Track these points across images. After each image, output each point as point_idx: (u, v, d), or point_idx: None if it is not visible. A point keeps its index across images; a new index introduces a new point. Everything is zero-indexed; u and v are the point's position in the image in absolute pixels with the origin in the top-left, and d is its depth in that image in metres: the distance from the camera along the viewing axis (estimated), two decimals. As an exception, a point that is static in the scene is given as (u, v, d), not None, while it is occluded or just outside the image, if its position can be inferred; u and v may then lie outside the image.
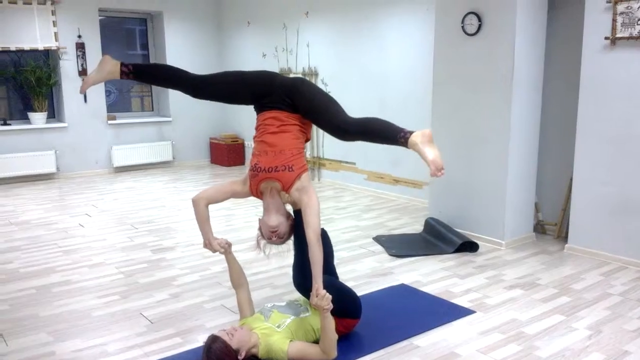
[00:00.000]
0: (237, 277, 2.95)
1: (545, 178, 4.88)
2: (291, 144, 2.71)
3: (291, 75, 7.49)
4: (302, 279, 2.87)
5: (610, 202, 4.15)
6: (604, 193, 4.18)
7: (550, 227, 4.91)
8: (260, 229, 2.80)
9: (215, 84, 2.91)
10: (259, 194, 2.78)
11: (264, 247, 2.86)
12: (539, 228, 4.95)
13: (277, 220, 2.71)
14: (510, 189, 4.50)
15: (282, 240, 2.80)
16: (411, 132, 2.46)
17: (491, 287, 3.71)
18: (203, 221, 2.86)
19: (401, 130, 2.49)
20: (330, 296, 2.55)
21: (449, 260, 4.26)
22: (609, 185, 4.14)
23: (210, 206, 2.87)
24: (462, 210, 4.82)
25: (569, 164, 4.52)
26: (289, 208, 2.83)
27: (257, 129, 2.82)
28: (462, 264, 4.17)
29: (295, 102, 2.74)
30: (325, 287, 2.57)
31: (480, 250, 4.47)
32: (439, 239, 4.64)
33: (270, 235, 2.75)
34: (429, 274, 3.97)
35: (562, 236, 4.73)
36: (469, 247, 4.46)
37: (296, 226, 2.83)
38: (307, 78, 7.21)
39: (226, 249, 2.90)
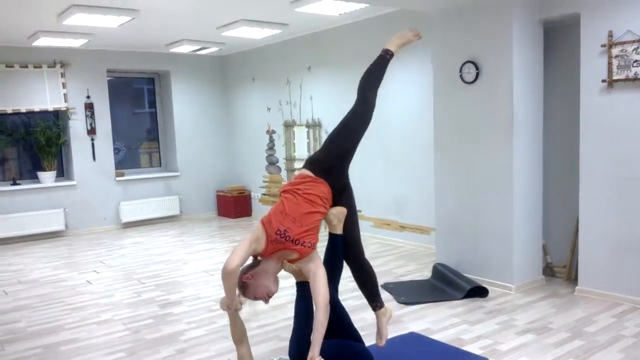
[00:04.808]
0: (240, 333, 2.92)
1: (552, 220, 4.87)
2: (318, 224, 2.80)
3: (294, 128, 7.62)
4: (299, 352, 2.77)
5: (619, 242, 4.12)
6: (611, 232, 4.16)
7: (560, 269, 4.86)
8: (246, 288, 2.71)
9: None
10: (267, 256, 2.72)
11: (242, 303, 2.78)
12: (548, 271, 4.90)
13: (278, 286, 2.73)
14: (517, 232, 4.49)
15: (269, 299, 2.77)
16: (383, 305, 3.11)
17: (502, 333, 3.65)
18: (235, 286, 2.71)
19: (380, 299, 3.12)
20: None
21: (459, 307, 4.21)
22: (616, 225, 4.13)
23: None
24: (469, 255, 4.79)
25: (575, 205, 4.51)
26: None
27: (300, 182, 2.83)
28: (472, 310, 4.12)
29: (342, 200, 2.95)
30: (334, 350, 2.52)
31: (490, 295, 4.42)
32: (447, 284, 4.60)
33: (265, 298, 2.72)
34: (438, 321, 3.92)
35: (572, 278, 4.68)
36: (478, 292, 4.42)
37: (300, 298, 2.87)
38: (312, 129, 7.36)
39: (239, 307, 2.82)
